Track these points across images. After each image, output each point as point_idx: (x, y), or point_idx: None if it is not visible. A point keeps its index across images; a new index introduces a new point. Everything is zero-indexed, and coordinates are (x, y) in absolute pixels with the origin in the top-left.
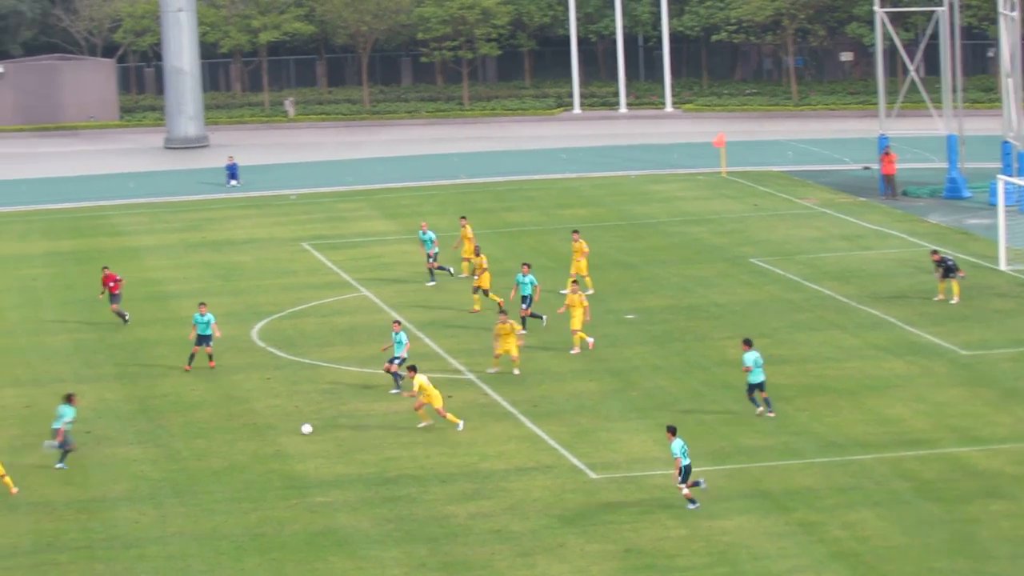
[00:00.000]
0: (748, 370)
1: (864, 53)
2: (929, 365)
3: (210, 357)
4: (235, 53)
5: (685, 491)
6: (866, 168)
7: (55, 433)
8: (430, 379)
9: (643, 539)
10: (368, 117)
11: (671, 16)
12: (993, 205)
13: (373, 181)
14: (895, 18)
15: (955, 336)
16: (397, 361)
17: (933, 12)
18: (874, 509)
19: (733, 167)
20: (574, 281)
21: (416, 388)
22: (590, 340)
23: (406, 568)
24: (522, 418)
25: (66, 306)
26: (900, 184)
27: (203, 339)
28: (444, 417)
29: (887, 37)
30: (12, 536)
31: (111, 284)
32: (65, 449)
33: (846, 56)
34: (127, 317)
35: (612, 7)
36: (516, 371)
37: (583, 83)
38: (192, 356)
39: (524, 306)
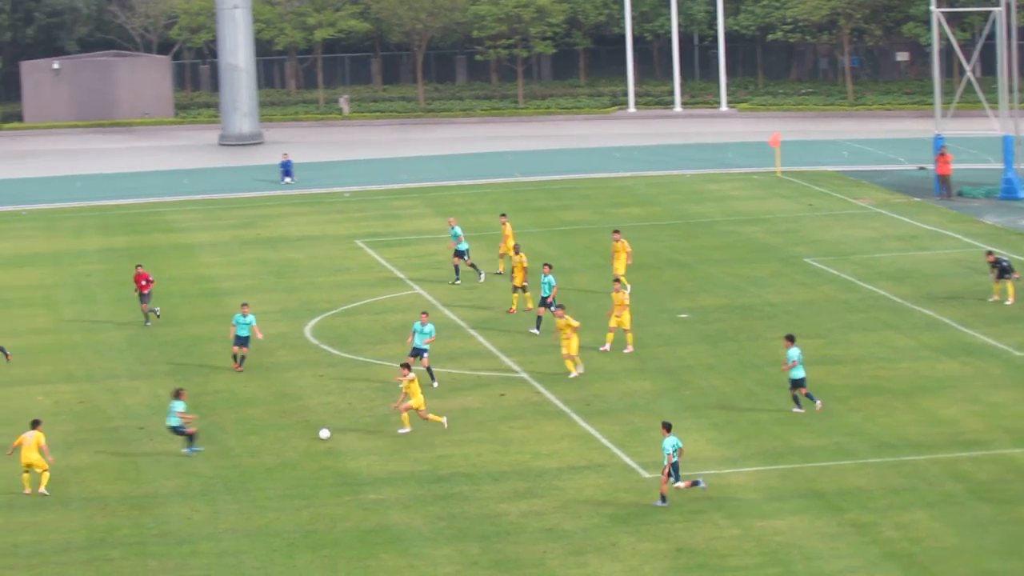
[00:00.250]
0: (795, 365)
1: (920, 53)
2: (983, 366)
3: (241, 359)
4: (290, 50)
5: (679, 485)
6: (921, 168)
7: (181, 424)
8: (479, 378)
9: (695, 538)
10: (422, 115)
11: (727, 15)
12: None
13: (427, 179)
14: (952, 18)
15: (1009, 337)
16: (424, 355)
17: (990, 12)
18: (927, 510)
19: (788, 167)
20: (616, 280)
21: (406, 385)
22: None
23: (458, 566)
24: (575, 416)
25: (120, 302)
26: (955, 184)
27: (242, 340)
28: (426, 419)
29: (943, 37)
30: (65, 531)
31: (142, 283)
32: (187, 435)
33: (902, 56)
34: (158, 312)
35: (668, 6)
36: (573, 373)
37: (638, 82)
38: (234, 356)
39: (539, 305)
